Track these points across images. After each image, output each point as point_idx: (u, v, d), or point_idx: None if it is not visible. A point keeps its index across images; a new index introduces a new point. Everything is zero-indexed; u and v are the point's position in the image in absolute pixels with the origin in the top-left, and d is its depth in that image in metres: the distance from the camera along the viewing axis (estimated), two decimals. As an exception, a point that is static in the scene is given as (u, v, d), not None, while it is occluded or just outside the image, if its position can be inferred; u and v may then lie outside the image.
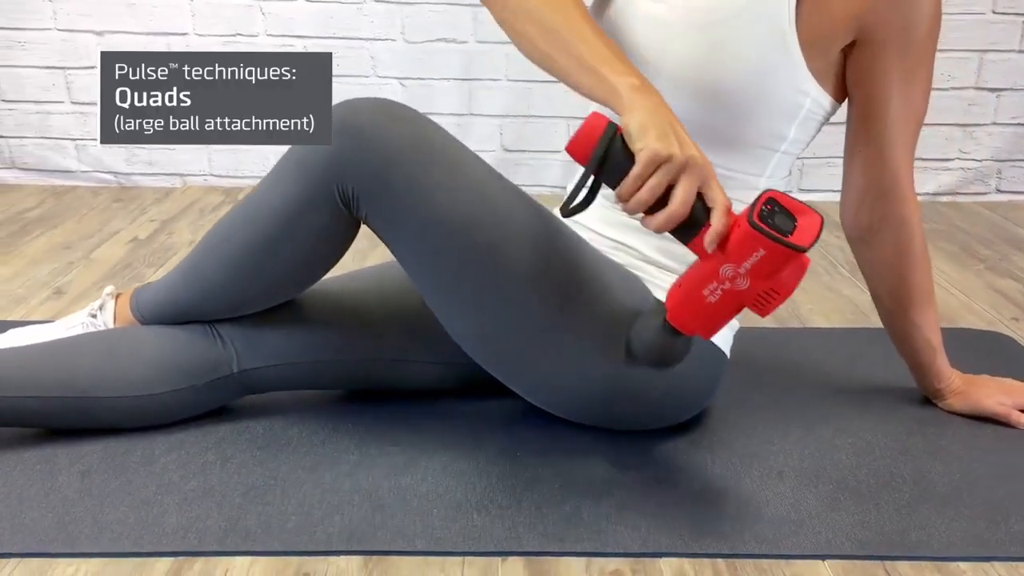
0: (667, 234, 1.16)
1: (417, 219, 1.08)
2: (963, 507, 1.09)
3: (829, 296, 1.78)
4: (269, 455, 1.18)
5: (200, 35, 2.44)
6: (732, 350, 1.26)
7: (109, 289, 1.31)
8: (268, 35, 2.44)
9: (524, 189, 1.16)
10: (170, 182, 2.57)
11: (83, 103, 2.51)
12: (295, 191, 1.10)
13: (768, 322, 1.66)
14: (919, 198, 2.44)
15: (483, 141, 2.50)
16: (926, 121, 2.40)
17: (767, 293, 0.94)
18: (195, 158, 2.56)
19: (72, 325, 1.29)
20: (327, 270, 1.19)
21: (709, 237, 0.93)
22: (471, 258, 1.09)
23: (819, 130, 1.19)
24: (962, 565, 0.99)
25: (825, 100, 1.14)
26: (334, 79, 2.50)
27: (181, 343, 1.20)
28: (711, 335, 1.01)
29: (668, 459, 1.18)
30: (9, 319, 1.60)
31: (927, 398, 1.34)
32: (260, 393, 1.27)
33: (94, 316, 1.29)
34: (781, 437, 1.24)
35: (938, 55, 2.37)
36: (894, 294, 1.26)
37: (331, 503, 1.08)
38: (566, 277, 1.12)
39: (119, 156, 2.55)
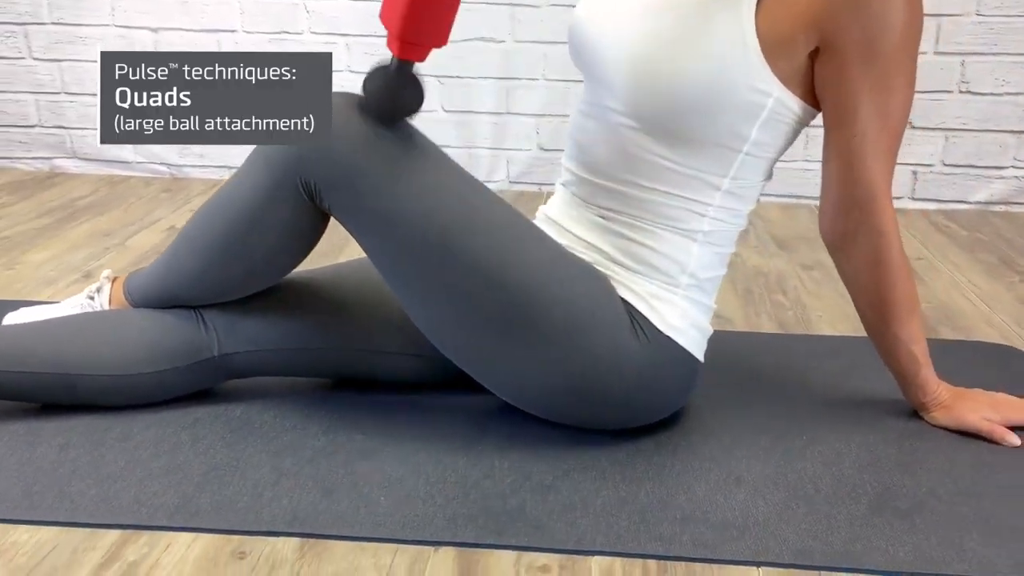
0: (624, 230, 1.17)
1: (376, 213, 1.10)
2: (919, 522, 1.06)
3: (841, 304, 1.74)
4: (238, 438, 1.21)
5: (248, 32, 2.52)
6: (723, 354, 1.24)
7: (107, 272, 1.37)
8: (312, 32, 2.50)
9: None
10: (219, 174, 2.66)
11: (139, 96, 2.61)
12: (262, 183, 1.14)
13: (771, 327, 1.64)
14: (969, 207, 2.42)
15: (520, 140, 2.52)
16: (979, 127, 2.38)
17: None
18: (244, 151, 2.61)
19: (72, 306, 1.36)
20: (299, 260, 1.22)
21: None
22: (429, 253, 1.10)
23: (794, 134, 1.17)
24: (901, 580, 0.97)
25: (794, 104, 1.12)
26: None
27: (165, 326, 1.25)
28: (409, 30, 0.99)
29: (628, 459, 1.18)
30: (35, 300, 1.68)
31: (916, 411, 1.30)
32: (242, 378, 1.31)
33: (92, 298, 1.35)
34: (750, 443, 1.23)
35: (991, 58, 2.33)
36: (873, 304, 1.23)
37: (283, 486, 1.11)
38: (529, 274, 1.12)
39: (173, 148, 2.65)
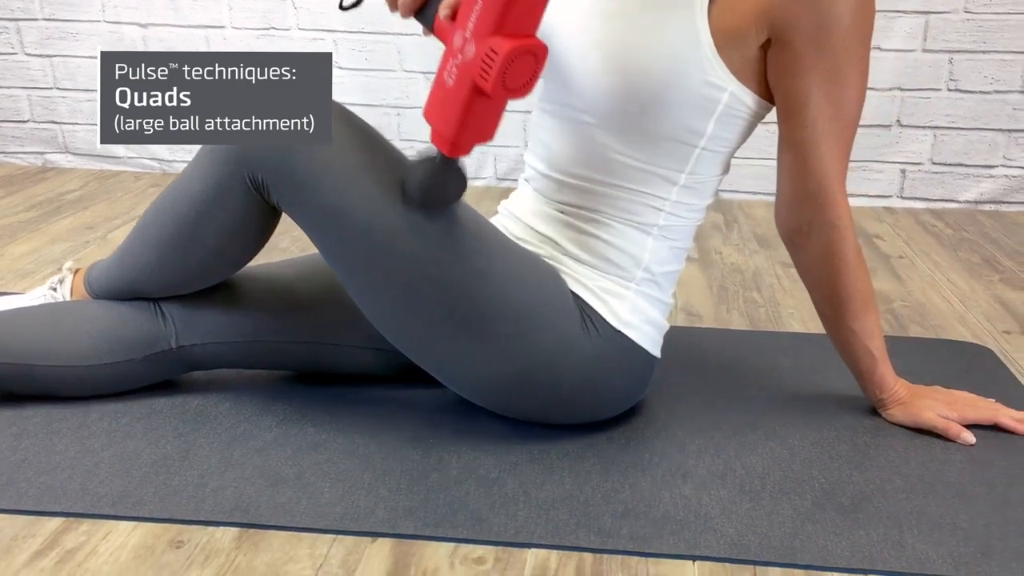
0: (581, 224, 1.17)
1: (322, 209, 1.10)
2: (861, 518, 1.05)
3: (814, 301, 1.73)
4: (192, 428, 1.22)
5: (236, 28, 2.53)
6: (686, 349, 1.23)
7: (69, 264, 1.38)
8: (300, 29, 2.51)
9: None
10: (208, 169, 2.67)
11: (129, 92, 2.63)
12: (210, 176, 1.14)
13: (741, 323, 1.63)
14: (958, 206, 2.40)
15: (506, 136, 2.51)
16: (968, 126, 2.37)
17: (488, 56, 0.93)
18: (233, 147, 2.65)
19: (36, 297, 1.37)
20: (251, 254, 1.22)
21: (443, 3, 0.97)
22: (375, 248, 1.10)
23: (749, 128, 1.17)
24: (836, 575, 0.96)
25: (748, 98, 1.12)
26: (363, 73, 2.56)
27: (123, 317, 1.26)
28: (462, 136, 1.00)
29: (577, 453, 1.18)
30: (8, 291, 1.69)
31: (874, 408, 1.30)
32: (202, 370, 1.32)
33: (54, 289, 1.36)
34: (704, 438, 1.22)
35: (980, 56, 2.31)
36: (829, 299, 1.22)
37: (229, 477, 1.11)
38: (474, 268, 1.12)
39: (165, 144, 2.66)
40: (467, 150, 1.02)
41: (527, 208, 1.25)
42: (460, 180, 1.06)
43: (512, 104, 0.99)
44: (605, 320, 1.16)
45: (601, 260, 1.18)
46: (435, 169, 1.04)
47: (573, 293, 1.17)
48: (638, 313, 1.18)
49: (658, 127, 1.11)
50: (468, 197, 1.11)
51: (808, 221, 1.17)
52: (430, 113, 1.02)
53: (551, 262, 1.19)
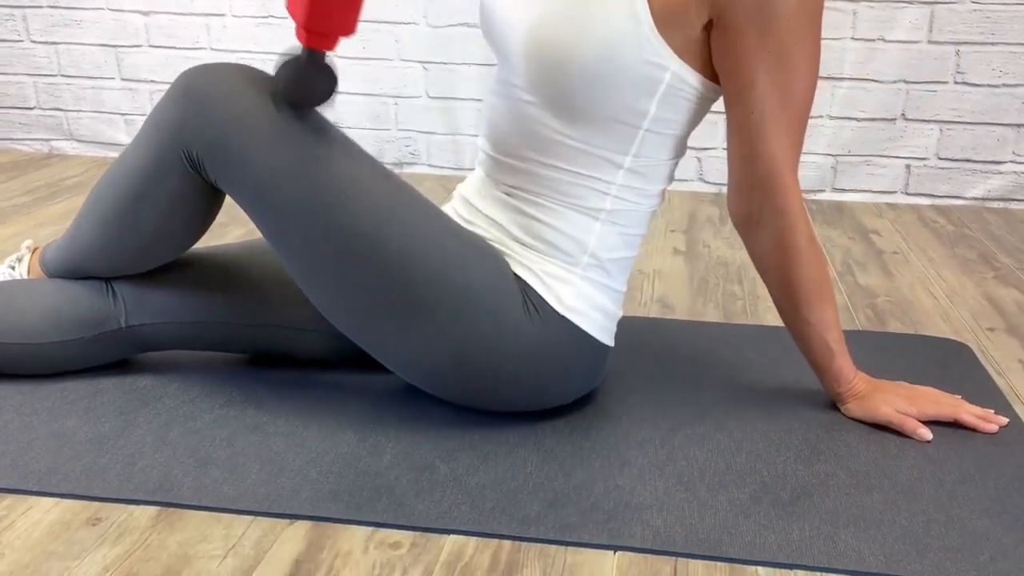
0: (525, 207, 1.15)
1: (255, 187, 1.09)
2: (797, 512, 1.02)
3: (794, 294, 1.69)
4: (134, 407, 1.22)
5: (236, 16, 2.53)
6: (649, 340, 1.20)
7: (28, 243, 1.38)
8: (298, 17, 2.50)
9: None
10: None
11: (132, 80, 2.64)
12: (149, 153, 1.13)
13: (715, 316, 1.60)
14: (964, 203, 2.33)
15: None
16: (975, 120, 2.30)
17: None
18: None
19: (-5, 276, 1.38)
20: (196, 233, 1.21)
21: None
22: (311, 229, 1.09)
23: (698, 110, 1.14)
24: (760, 570, 0.93)
25: (692, 78, 1.09)
26: (361, 62, 2.54)
27: (73, 296, 1.26)
28: (314, 21, 0.98)
29: (516, 441, 1.15)
30: (-14, 272, 1.71)
31: (833, 402, 1.26)
32: (153, 351, 1.31)
33: (12, 268, 1.37)
34: (650, 429, 1.19)
35: (989, 49, 2.26)
36: (782, 289, 1.18)
37: (160, 456, 1.10)
38: (413, 249, 1.10)
39: (165, 131, 2.68)
40: (328, 43, 1.01)
41: (476, 190, 1.23)
42: (329, 77, 1.04)
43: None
44: (548, 304, 1.14)
45: (545, 244, 1.15)
46: (301, 65, 1.03)
47: (517, 276, 1.15)
48: (584, 299, 1.16)
49: (597, 107, 1.08)
50: (429, 190, 1.09)
51: (759, 208, 1.14)
52: (289, 5, 1.00)
53: (497, 245, 1.17)
